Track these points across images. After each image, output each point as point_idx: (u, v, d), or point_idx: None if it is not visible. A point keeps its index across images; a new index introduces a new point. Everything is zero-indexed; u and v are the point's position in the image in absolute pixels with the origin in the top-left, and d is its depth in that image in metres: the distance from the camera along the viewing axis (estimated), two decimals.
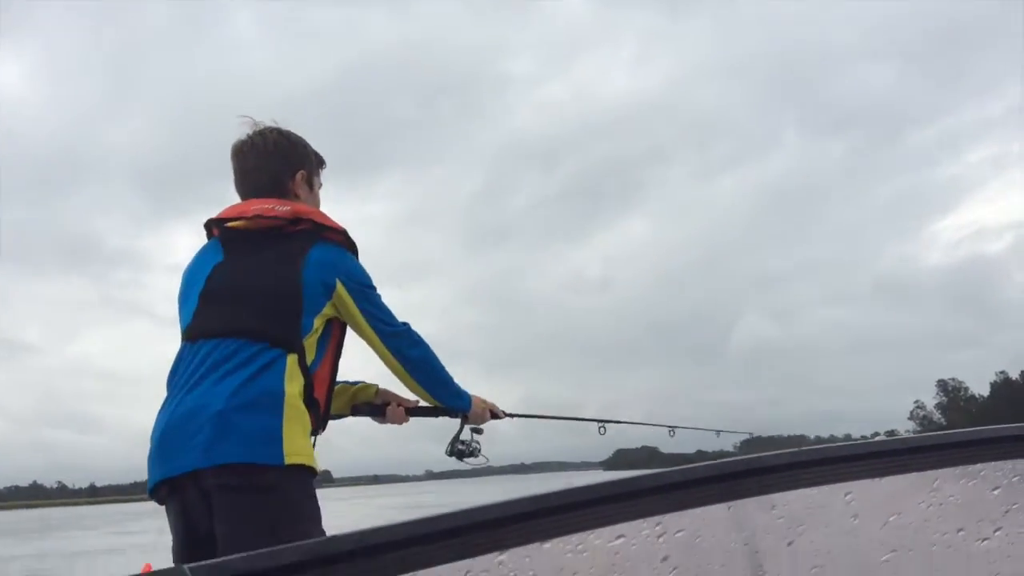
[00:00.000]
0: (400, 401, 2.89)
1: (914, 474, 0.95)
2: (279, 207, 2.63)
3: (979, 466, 1.00)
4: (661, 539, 0.82)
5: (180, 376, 2.48)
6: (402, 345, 2.70)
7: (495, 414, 3.00)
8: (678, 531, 0.83)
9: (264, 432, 2.32)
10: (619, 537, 0.80)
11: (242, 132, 2.80)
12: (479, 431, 3.00)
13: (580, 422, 3.33)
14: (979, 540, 1.06)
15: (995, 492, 1.03)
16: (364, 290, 2.65)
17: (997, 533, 1.06)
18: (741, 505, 0.84)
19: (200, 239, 2.79)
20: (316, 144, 2.88)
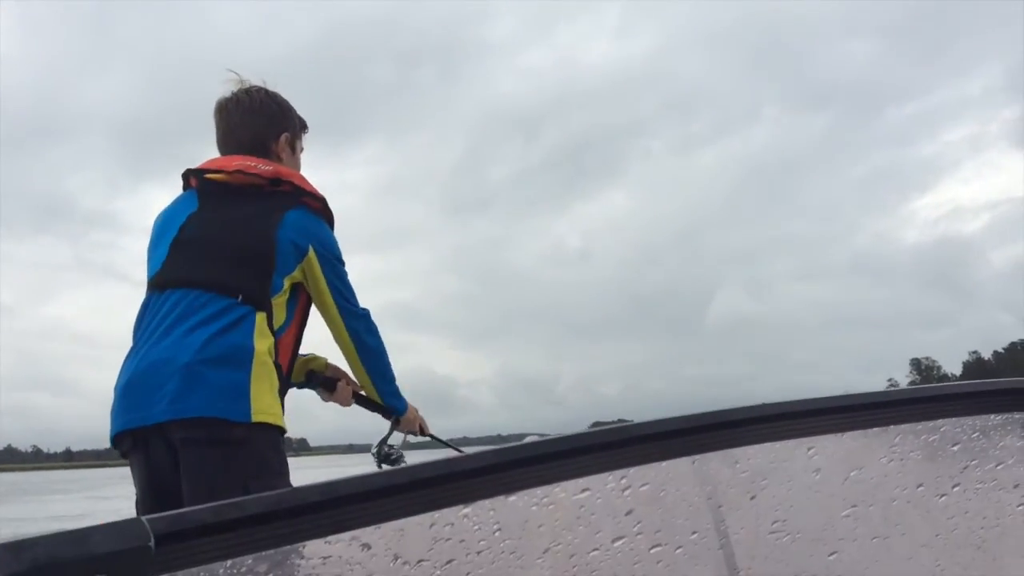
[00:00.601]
0: (349, 381, 2.89)
1: (876, 429, 0.97)
2: (262, 166, 2.62)
3: (940, 422, 1.01)
4: (626, 492, 0.83)
5: (147, 326, 2.47)
6: (361, 329, 2.71)
7: (422, 428, 3.02)
8: (643, 484, 0.84)
9: (232, 387, 2.33)
10: (584, 490, 0.81)
11: (228, 89, 2.77)
12: (415, 433, 3.01)
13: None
14: (938, 496, 1.08)
15: (955, 448, 1.05)
16: (334, 262, 2.65)
17: (955, 489, 1.08)
18: (705, 459, 0.85)
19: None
20: (296, 108, 2.86)
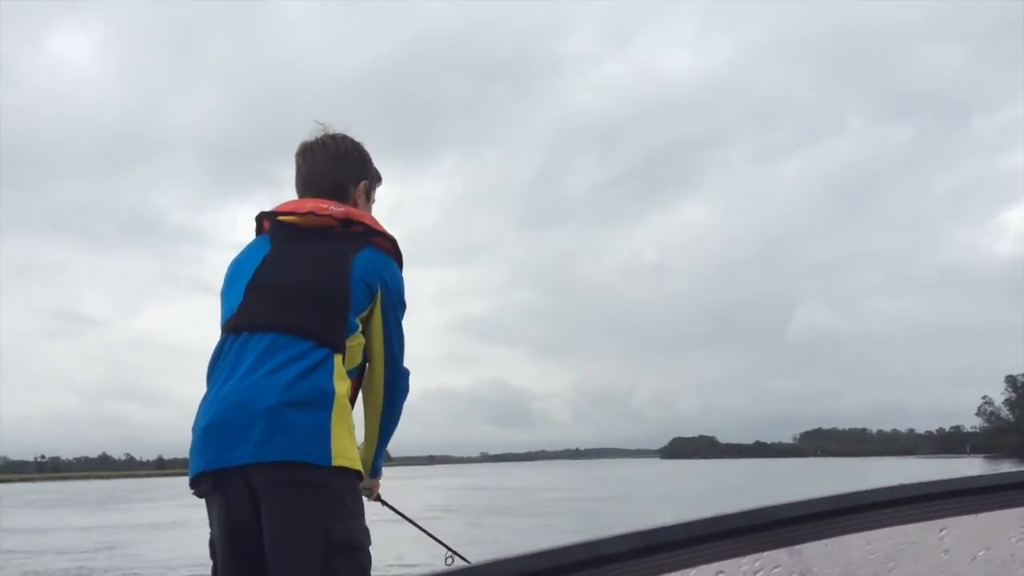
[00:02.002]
0: None
1: (1010, 510, 0.96)
2: (333, 207, 2.66)
3: None
4: (759, 575, 0.85)
5: (224, 367, 2.48)
6: (398, 387, 2.72)
7: (378, 496, 2.99)
8: (775, 567, 0.86)
9: (315, 431, 2.34)
10: (719, 573, 0.83)
11: (315, 133, 2.83)
12: (369, 497, 2.89)
13: None
14: None
15: None
16: (397, 305, 2.68)
17: None
18: (840, 542, 0.86)
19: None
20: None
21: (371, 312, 2.61)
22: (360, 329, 2.57)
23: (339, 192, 2.77)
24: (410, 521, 3.26)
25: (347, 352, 2.53)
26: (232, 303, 2.59)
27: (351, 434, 2.46)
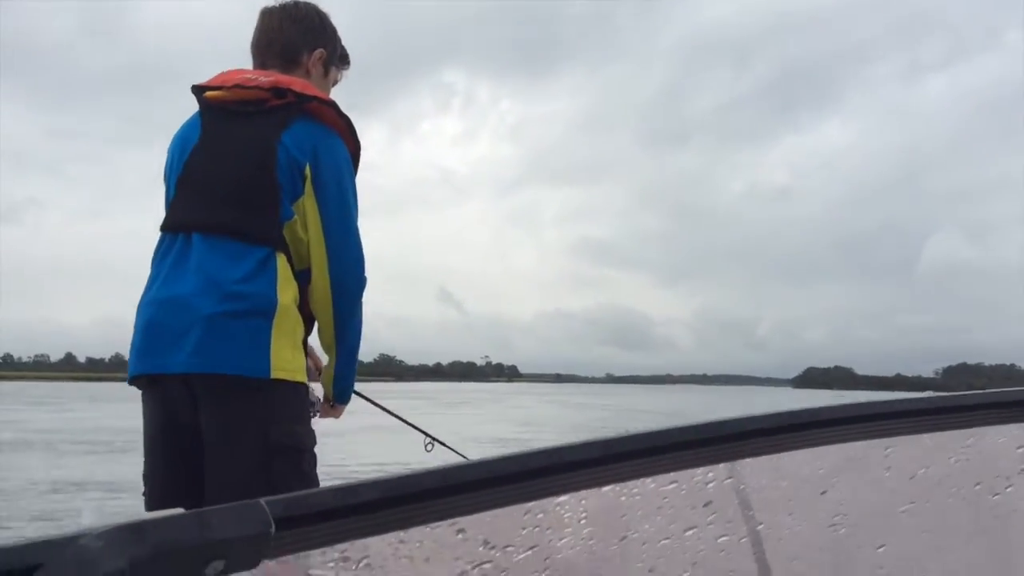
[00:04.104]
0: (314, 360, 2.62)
1: (954, 431, 0.98)
2: (261, 77, 2.43)
3: (1012, 426, 1.02)
4: (710, 486, 0.84)
5: (162, 268, 2.36)
6: (346, 283, 2.42)
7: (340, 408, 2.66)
8: (727, 478, 0.84)
9: (252, 342, 2.24)
10: (672, 483, 0.81)
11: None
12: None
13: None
14: (991, 495, 1.10)
15: (1019, 450, 1.06)
16: (336, 183, 2.41)
17: (1008, 489, 1.09)
18: (790, 456, 0.85)
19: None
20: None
21: (305, 195, 2.37)
22: (294, 216, 2.36)
23: (289, 55, 2.55)
24: (388, 412, 3.08)
25: (292, 248, 2.36)
26: (167, 199, 2.45)
27: (295, 344, 2.32)
